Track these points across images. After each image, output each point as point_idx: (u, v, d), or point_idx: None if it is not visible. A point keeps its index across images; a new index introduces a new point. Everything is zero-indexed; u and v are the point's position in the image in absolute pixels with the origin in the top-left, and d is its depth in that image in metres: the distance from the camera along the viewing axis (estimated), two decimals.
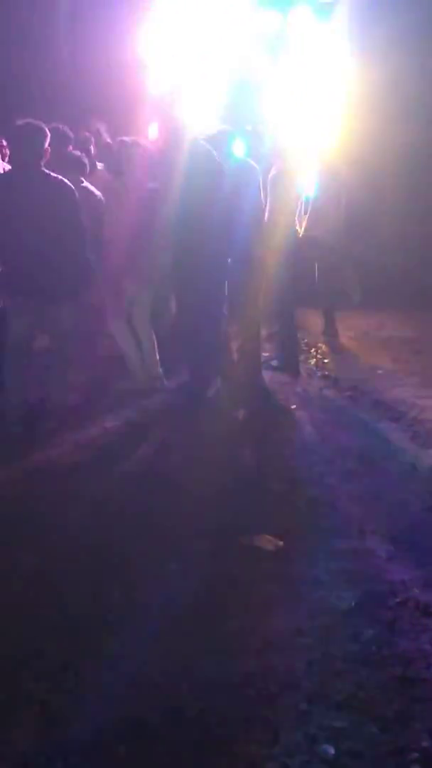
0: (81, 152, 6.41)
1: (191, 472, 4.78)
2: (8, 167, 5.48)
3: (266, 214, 6.39)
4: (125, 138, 6.40)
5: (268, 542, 3.93)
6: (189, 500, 4.40)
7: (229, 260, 5.74)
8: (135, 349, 6.12)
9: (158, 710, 2.78)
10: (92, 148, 7.11)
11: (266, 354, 7.15)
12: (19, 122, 5.03)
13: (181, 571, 3.68)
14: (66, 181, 5.11)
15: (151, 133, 7.22)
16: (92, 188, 6.15)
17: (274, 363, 6.94)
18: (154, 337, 6.15)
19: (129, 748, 2.61)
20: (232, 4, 9.13)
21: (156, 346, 6.15)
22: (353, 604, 3.44)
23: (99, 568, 3.68)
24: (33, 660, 3.02)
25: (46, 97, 9.08)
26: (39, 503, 4.29)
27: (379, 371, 6.93)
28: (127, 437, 5.34)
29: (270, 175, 6.61)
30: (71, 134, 6.48)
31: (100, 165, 7.04)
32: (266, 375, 6.77)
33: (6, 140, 5.96)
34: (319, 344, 7.52)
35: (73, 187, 5.13)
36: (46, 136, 5.00)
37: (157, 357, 6.15)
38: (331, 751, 2.61)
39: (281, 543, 3.94)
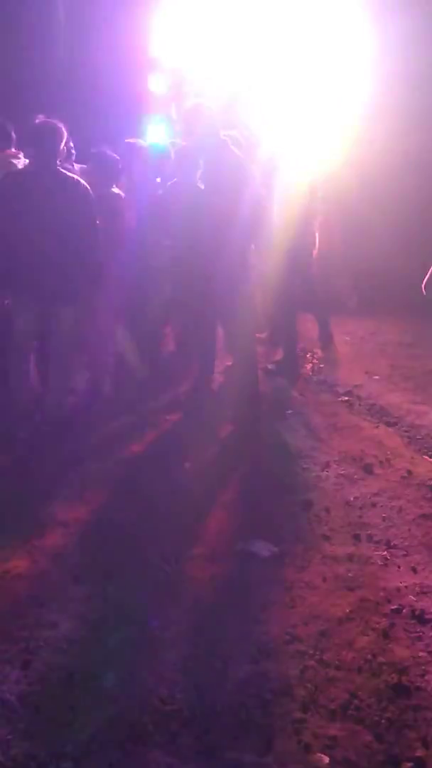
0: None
1: (187, 477, 4.77)
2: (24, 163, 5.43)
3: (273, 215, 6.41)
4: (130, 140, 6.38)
5: (263, 547, 3.92)
6: (184, 505, 4.39)
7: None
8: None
9: (152, 715, 2.76)
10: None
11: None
12: (36, 121, 5.00)
13: (176, 576, 3.67)
14: (82, 181, 5.07)
15: (150, 132, 7.21)
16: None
17: (271, 366, 6.93)
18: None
19: (122, 753, 2.60)
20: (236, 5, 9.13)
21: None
22: (348, 610, 3.43)
23: (93, 570, 3.66)
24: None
25: (42, 96, 9.05)
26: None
27: (375, 376, 6.92)
28: (125, 440, 5.31)
29: (277, 178, 6.62)
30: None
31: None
32: (263, 379, 6.78)
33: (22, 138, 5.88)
34: (315, 349, 7.50)
35: (88, 187, 5.09)
36: (62, 135, 4.96)
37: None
38: (326, 759, 2.60)
39: (276, 548, 3.93)
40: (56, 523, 4.09)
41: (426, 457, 5.09)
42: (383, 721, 2.79)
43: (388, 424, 5.79)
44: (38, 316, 5.09)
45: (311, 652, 3.15)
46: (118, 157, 5.94)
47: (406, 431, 5.64)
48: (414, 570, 3.80)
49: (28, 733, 2.67)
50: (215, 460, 5.02)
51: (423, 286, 4.56)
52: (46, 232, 4.88)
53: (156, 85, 9.02)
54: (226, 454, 5.13)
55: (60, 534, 3.99)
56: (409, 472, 4.89)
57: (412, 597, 3.55)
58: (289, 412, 6.00)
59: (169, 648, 3.14)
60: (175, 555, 3.85)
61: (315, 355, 7.32)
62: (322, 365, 7.14)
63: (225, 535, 4.07)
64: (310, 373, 6.97)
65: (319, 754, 2.63)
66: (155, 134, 7.21)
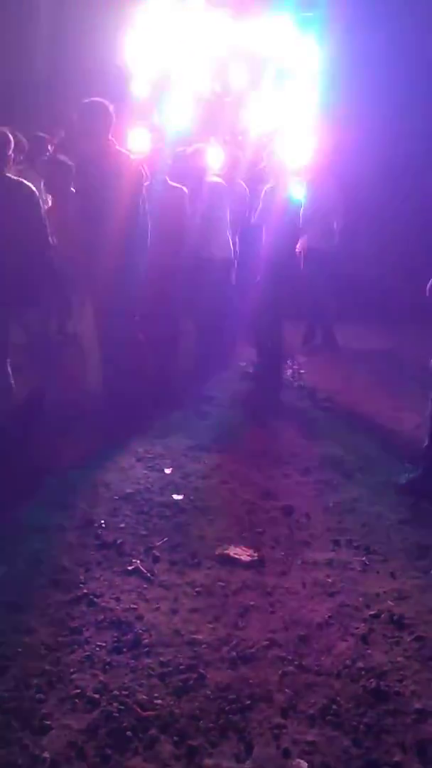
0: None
1: (168, 484, 4.76)
2: None
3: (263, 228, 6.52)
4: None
5: (243, 553, 3.92)
6: (164, 510, 4.38)
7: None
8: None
9: (131, 721, 2.75)
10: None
11: (243, 363, 7.19)
12: None
13: (156, 582, 3.66)
14: (26, 182, 5.11)
15: (131, 140, 7.19)
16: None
17: (251, 371, 6.96)
18: None
19: (101, 759, 2.59)
20: (214, 13, 9.16)
21: None
22: (327, 616, 3.44)
23: (72, 575, 3.65)
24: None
25: (23, 103, 9.04)
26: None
27: (356, 383, 6.96)
28: (105, 445, 5.29)
29: (265, 189, 6.69)
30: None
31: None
32: (243, 385, 6.80)
33: None
34: (296, 355, 7.54)
35: (33, 188, 5.11)
36: (9, 142, 5.03)
37: None
38: (304, 765, 2.60)
39: (256, 554, 3.93)
40: (35, 529, 4.07)
41: (405, 464, 5.11)
42: (362, 726, 2.80)
43: (368, 431, 5.82)
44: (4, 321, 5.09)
45: (290, 657, 3.15)
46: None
47: (385, 437, 5.67)
48: (392, 575, 3.81)
49: (5, 740, 2.65)
50: (195, 466, 5.02)
51: (428, 288, 4.61)
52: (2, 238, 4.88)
53: (136, 91, 9.03)
54: (205, 459, 5.12)
55: (39, 539, 3.97)
56: (388, 477, 4.92)
57: (391, 602, 3.57)
58: (270, 417, 6.02)
59: (148, 653, 3.13)
60: (155, 560, 3.84)
61: (295, 361, 7.35)
62: (302, 371, 7.17)
63: (205, 540, 4.07)
64: (291, 379, 6.99)
65: (298, 760, 2.63)
66: (136, 141, 7.21)
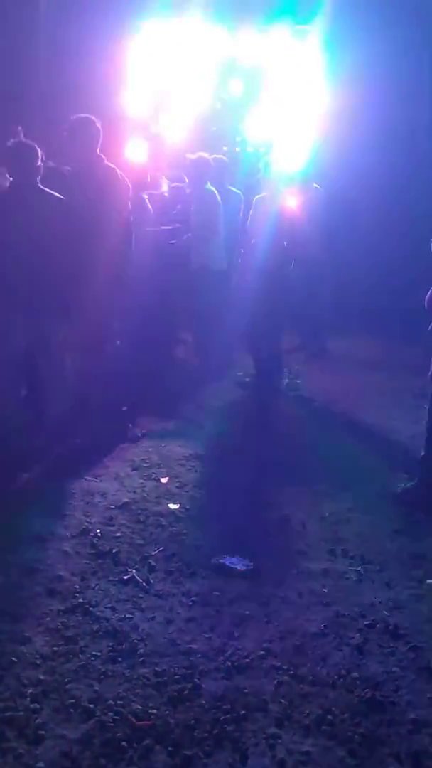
0: None
1: (164, 493, 4.77)
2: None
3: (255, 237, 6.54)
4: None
5: (239, 563, 3.92)
6: (159, 520, 4.38)
7: None
8: None
9: (126, 731, 2.75)
10: None
11: (240, 373, 7.20)
12: (11, 142, 5.17)
13: (151, 591, 3.66)
14: (58, 195, 5.13)
15: (129, 151, 7.23)
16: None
17: (248, 380, 6.97)
18: None
19: (96, 767, 2.58)
20: (211, 27, 9.22)
21: None
22: (323, 625, 3.44)
23: (68, 584, 3.64)
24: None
25: (20, 115, 9.06)
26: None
27: (352, 392, 6.97)
28: (100, 454, 5.30)
29: (256, 198, 6.72)
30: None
31: None
32: (240, 394, 6.81)
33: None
34: (292, 364, 7.55)
35: (64, 201, 5.14)
36: (38, 153, 5.11)
37: None
38: None
39: (252, 563, 3.93)
40: (31, 538, 4.07)
41: (400, 473, 5.11)
42: (357, 736, 2.79)
43: (364, 440, 5.83)
44: (26, 332, 5.11)
45: (286, 667, 3.15)
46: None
47: (381, 447, 5.68)
48: (388, 585, 3.82)
49: None
50: (192, 475, 5.02)
51: (426, 299, 4.63)
52: (30, 249, 4.90)
53: (135, 104, 9.08)
54: (202, 469, 5.13)
55: (34, 548, 3.97)
56: (384, 487, 4.93)
57: (386, 612, 3.57)
58: (266, 426, 6.02)
59: (143, 663, 3.13)
60: (151, 569, 3.84)
61: (292, 370, 7.36)
62: (298, 380, 7.18)
63: (201, 549, 4.07)
64: (287, 389, 7.00)
65: None
66: (134, 153, 7.26)
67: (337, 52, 9.23)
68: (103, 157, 5.28)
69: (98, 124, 5.24)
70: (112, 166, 5.32)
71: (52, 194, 5.14)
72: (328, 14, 8.98)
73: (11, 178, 5.28)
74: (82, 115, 5.28)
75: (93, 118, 5.25)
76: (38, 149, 5.14)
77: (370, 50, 9.04)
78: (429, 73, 9.89)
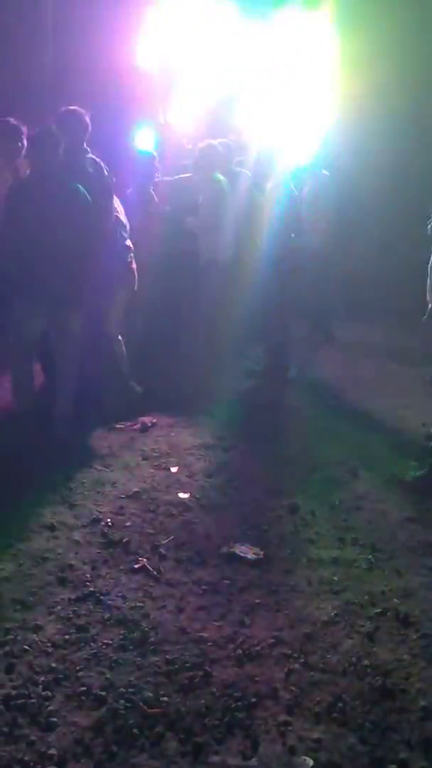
0: None
1: (174, 482, 4.78)
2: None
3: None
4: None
5: (249, 551, 3.93)
6: (170, 509, 4.39)
7: None
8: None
9: (137, 718, 2.76)
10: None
11: (249, 361, 7.19)
12: (34, 131, 5.16)
13: (162, 580, 3.67)
14: (80, 187, 5.07)
15: (138, 138, 7.20)
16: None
17: (258, 369, 6.96)
18: None
19: (108, 756, 2.60)
20: (222, 12, 9.16)
21: None
22: (333, 613, 3.45)
23: (79, 573, 3.66)
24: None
25: (29, 102, 9.04)
26: None
27: (361, 380, 6.96)
28: (109, 444, 5.31)
29: (269, 187, 6.69)
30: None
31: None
32: (250, 383, 6.80)
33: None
34: (302, 352, 7.53)
35: (85, 192, 5.09)
36: (59, 142, 5.03)
37: None
38: (310, 762, 2.61)
39: (262, 552, 3.94)
40: (42, 527, 4.08)
41: (410, 461, 5.11)
42: (368, 723, 2.80)
43: (374, 428, 5.82)
44: (44, 322, 5.14)
45: (296, 655, 3.16)
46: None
47: (390, 435, 5.67)
48: (398, 573, 3.82)
49: (12, 737, 2.66)
50: (201, 464, 5.03)
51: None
52: (51, 238, 4.91)
53: (144, 90, 9.04)
54: (211, 458, 5.13)
55: (45, 537, 3.99)
56: (394, 475, 4.92)
57: (396, 600, 3.57)
58: (276, 415, 6.02)
59: (154, 651, 3.15)
60: (162, 558, 3.85)
61: (300, 358, 7.34)
62: (308, 369, 7.17)
63: (211, 538, 4.08)
64: (297, 377, 6.99)
65: (304, 757, 2.64)
66: (143, 139, 7.22)
67: (347, 35, 9.16)
68: (88, 150, 5.30)
69: (87, 117, 5.25)
70: (98, 159, 5.31)
71: (72, 185, 5.08)
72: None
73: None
74: (71, 107, 5.27)
75: (82, 111, 5.26)
76: (59, 138, 5.04)
77: (380, 33, 8.98)
78: None
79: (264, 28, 9.32)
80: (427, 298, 6.10)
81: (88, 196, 5.07)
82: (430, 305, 6.07)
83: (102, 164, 5.40)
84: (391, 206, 9.34)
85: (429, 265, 6.04)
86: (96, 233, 5.18)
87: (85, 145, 5.30)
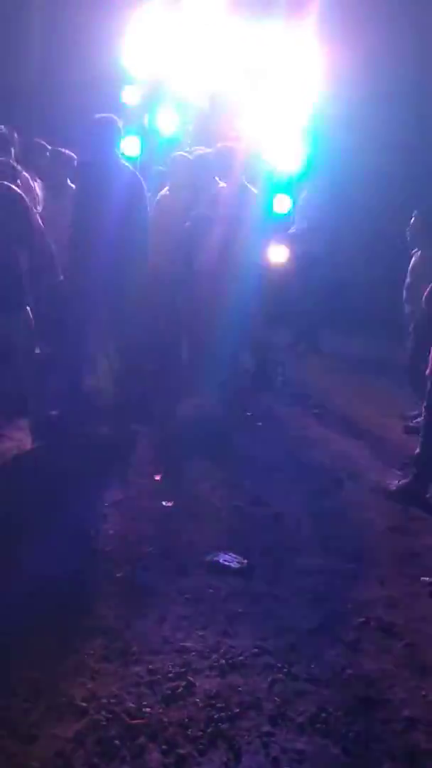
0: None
1: (157, 491, 4.75)
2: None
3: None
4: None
5: (233, 560, 3.91)
6: (153, 517, 4.37)
7: None
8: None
9: (119, 729, 2.73)
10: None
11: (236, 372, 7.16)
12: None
13: (145, 589, 3.64)
14: (14, 187, 5.12)
15: (125, 146, 7.18)
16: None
17: (243, 378, 6.95)
18: None
19: (90, 765, 2.57)
20: (210, 18, 9.15)
21: None
22: (317, 623, 3.44)
23: (61, 582, 3.63)
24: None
25: (16, 108, 9.01)
26: None
27: (345, 389, 6.97)
28: (93, 452, 5.28)
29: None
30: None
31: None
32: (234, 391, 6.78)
33: None
34: (287, 361, 7.53)
35: (21, 194, 5.13)
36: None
37: None
38: None
39: (245, 561, 3.92)
40: (23, 534, 4.04)
41: (394, 470, 5.12)
42: (351, 734, 2.79)
43: (358, 437, 5.83)
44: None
45: (280, 665, 3.14)
46: None
47: (375, 444, 5.68)
48: (382, 582, 3.81)
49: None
50: (185, 472, 5.01)
51: (423, 299, 4.66)
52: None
53: (129, 96, 9.01)
54: (196, 466, 5.11)
55: (26, 545, 3.94)
56: (378, 484, 4.92)
57: (380, 609, 3.57)
58: (260, 424, 6.01)
59: (136, 661, 3.12)
60: (145, 567, 3.83)
61: (286, 368, 7.34)
62: (293, 378, 7.17)
63: (194, 547, 4.05)
64: (281, 386, 6.99)
65: None
66: (128, 146, 7.21)
67: (334, 46, 9.18)
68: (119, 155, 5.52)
69: (120, 123, 5.48)
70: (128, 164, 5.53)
71: (4, 186, 5.14)
72: (324, 9, 8.90)
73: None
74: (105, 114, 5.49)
75: (116, 117, 5.49)
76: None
77: (374, 39, 9.01)
78: None
79: (252, 30, 9.31)
80: (405, 309, 6.09)
81: (22, 195, 5.19)
82: (406, 310, 6.05)
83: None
84: (378, 214, 9.38)
85: (408, 271, 6.04)
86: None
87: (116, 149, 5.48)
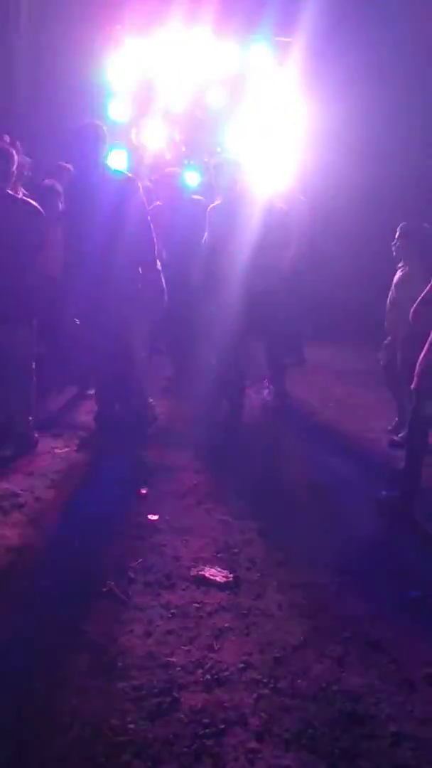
0: None
1: (143, 504, 4.73)
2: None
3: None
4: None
5: (219, 574, 3.89)
6: (139, 531, 4.35)
7: None
8: None
9: (104, 746, 2.70)
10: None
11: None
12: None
13: (130, 604, 3.61)
14: (32, 203, 5.15)
15: (112, 160, 7.20)
16: None
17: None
18: None
19: None
20: (194, 38, 9.22)
21: None
22: (303, 638, 3.42)
23: (43, 598, 3.60)
24: None
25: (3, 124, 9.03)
26: None
27: (332, 403, 6.98)
28: (79, 464, 5.25)
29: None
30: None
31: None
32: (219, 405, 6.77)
33: None
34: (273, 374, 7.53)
35: (40, 209, 5.15)
36: (11, 158, 5.10)
37: None
38: None
39: (231, 575, 3.90)
40: (6, 548, 4.01)
41: (382, 484, 5.11)
42: (337, 750, 2.77)
43: (346, 450, 5.83)
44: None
45: (266, 680, 3.12)
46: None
47: (362, 457, 5.68)
48: (369, 597, 3.80)
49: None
50: (171, 486, 4.99)
51: (411, 313, 4.67)
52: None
53: (116, 111, 9.06)
54: (181, 480, 5.10)
55: (8, 558, 3.92)
56: (365, 498, 4.92)
57: (367, 624, 3.55)
58: (247, 437, 6.01)
59: (121, 676, 3.09)
60: (130, 581, 3.80)
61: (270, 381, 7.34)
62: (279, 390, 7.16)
63: (180, 561, 4.03)
64: (268, 399, 6.99)
65: None
66: (116, 161, 7.24)
67: (319, 62, 9.27)
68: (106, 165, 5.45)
69: (105, 129, 5.35)
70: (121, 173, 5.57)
71: (25, 201, 5.24)
72: (308, 27, 8.99)
73: None
74: (89, 121, 5.47)
75: (99, 123, 5.41)
76: (12, 153, 5.16)
77: (355, 58, 9.11)
78: (420, 83, 9.94)
79: (236, 51, 9.39)
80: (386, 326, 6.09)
81: (40, 210, 5.23)
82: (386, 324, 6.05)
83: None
84: (362, 228, 9.44)
85: (393, 285, 6.05)
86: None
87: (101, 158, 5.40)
